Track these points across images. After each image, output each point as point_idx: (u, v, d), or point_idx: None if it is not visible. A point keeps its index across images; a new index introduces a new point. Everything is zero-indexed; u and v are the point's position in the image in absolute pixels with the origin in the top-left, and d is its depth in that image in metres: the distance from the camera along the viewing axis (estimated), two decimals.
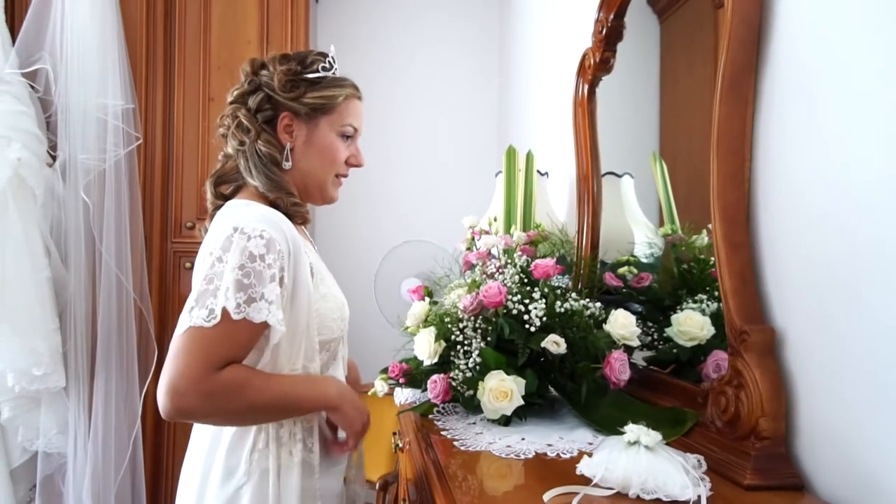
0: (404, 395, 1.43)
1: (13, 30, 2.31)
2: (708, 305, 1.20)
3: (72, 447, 2.21)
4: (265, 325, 0.99)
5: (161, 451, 2.50)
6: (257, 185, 1.15)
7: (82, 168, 2.26)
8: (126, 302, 2.32)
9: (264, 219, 1.04)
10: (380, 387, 1.34)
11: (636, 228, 1.59)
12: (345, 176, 1.27)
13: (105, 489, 2.24)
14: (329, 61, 1.23)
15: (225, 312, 0.95)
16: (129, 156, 2.37)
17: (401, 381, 1.34)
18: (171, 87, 2.54)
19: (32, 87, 2.27)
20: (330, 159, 1.21)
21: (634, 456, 0.80)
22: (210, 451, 1.07)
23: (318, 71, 1.21)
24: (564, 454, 1.00)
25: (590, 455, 0.88)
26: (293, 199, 1.17)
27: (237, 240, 0.99)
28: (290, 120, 1.19)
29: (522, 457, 0.99)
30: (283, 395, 1.03)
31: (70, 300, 2.24)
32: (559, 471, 0.92)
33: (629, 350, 1.28)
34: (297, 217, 1.17)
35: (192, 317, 0.95)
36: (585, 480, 0.84)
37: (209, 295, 0.96)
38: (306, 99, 1.19)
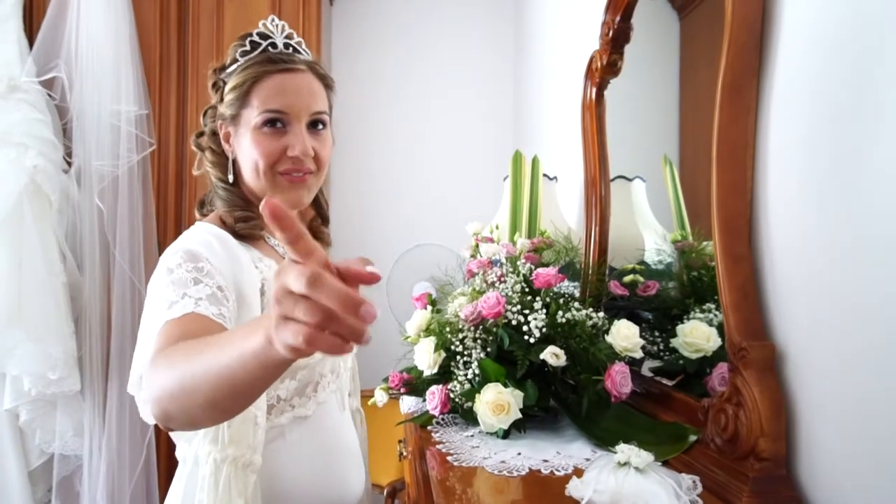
0: (408, 404, 1.42)
1: (30, 38, 2.34)
2: (716, 315, 1.17)
3: (87, 449, 2.24)
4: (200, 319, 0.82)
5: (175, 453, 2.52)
6: (217, 205, 1.06)
7: (97, 174, 2.29)
8: (140, 306, 2.33)
9: (192, 240, 0.95)
10: (379, 397, 1.33)
11: (647, 234, 1.55)
12: (297, 171, 1.01)
13: (120, 491, 2.27)
14: (252, 40, 1.01)
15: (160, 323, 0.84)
16: (143, 161, 2.39)
17: (401, 390, 1.33)
18: (185, 93, 2.55)
19: (49, 94, 2.30)
20: (252, 160, 1.00)
21: (624, 478, 0.78)
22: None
23: (237, 60, 1.01)
24: (559, 471, 0.98)
25: (582, 472, 0.86)
26: (238, 214, 1.02)
27: (158, 264, 0.93)
28: (226, 127, 1.05)
29: (516, 473, 0.97)
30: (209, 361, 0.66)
31: (85, 305, 2.28)
32: (551, 489, 0.90)
33: (637, 361, 1.25)
34: (245, 233, 1.03)
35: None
36: (574, 502, 0.81)
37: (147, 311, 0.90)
38: (226, 98, 1.02)
